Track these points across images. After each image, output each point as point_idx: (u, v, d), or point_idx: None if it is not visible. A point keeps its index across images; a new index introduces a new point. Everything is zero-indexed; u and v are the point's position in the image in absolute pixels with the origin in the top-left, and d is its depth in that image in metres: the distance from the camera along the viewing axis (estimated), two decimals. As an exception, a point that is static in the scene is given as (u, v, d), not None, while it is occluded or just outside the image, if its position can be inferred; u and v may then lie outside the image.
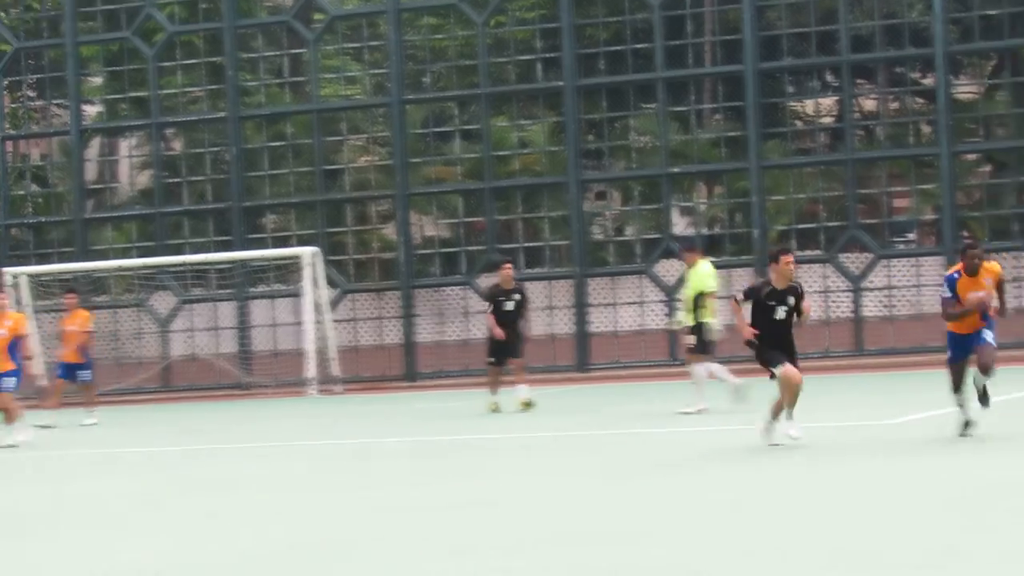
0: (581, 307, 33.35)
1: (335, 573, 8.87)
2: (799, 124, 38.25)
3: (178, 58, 37.13)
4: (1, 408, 19.53)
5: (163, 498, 13.44)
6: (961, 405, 14.50)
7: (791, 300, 14.39)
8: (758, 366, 14.89)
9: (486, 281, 32.63)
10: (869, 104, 37.56)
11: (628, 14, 34.72)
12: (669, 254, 33.88)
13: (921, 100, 36.07)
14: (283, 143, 36.75)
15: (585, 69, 34.79)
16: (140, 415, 29.15)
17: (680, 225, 37.06)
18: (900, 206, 36.15)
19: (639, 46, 34.54)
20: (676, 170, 34.33)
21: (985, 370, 14.18)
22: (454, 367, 34.74)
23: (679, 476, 13.45)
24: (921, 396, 21.55)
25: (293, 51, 37.34)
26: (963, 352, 14.28)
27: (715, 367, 21.36)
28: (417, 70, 37.57)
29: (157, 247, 35.72)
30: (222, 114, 36.27)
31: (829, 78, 37.55)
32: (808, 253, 33.75)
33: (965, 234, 32.11)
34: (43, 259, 36.93)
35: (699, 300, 21.29)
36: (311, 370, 33.19)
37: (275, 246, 35.38)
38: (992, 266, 14.49)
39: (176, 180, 37.41)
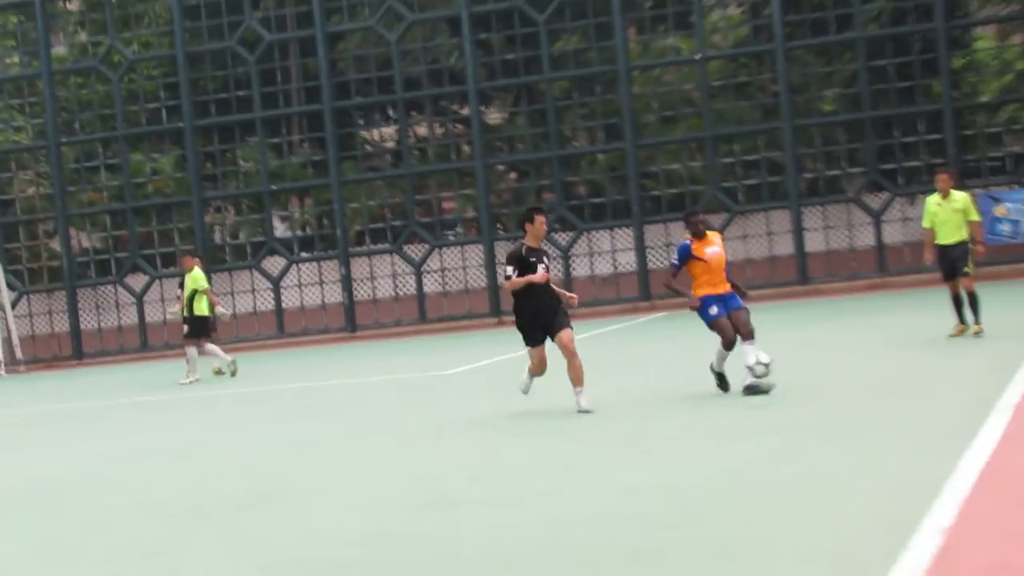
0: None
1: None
2: (368, 148, 38.03)
3: None
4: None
5: None
6: (721, 373, 13.23)
7: (545, 259, 13.21)
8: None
9: (133, 279, 35.15)
10: (421, 130, 37.54)
11: (231, 68, 35.44)
12: (273, 252, 35.33)
13: (460, 125, 36.77)
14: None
15: (200, 112, 35.58)
16: None
17: (280, 229, 36.99)
18: (448, 207, 36.44)
19: (241, 93, 35.35)
20: (275, 187, 35.32)
21: (749, 336, 12.95)
22: (112, 347, 36.04)
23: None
24: (463, 353, 22.79)
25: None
26: (724, 310, 13.12)
27: (209, 346, 22.06)
28: (69, 118, 36.96)
29: None
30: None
31: (389, 111, 37.65)
32: (379, 246, 35.03)
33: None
34: None
35: (194, 296, 21.84)
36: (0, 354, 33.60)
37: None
38: (713, 235, 13.36)
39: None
